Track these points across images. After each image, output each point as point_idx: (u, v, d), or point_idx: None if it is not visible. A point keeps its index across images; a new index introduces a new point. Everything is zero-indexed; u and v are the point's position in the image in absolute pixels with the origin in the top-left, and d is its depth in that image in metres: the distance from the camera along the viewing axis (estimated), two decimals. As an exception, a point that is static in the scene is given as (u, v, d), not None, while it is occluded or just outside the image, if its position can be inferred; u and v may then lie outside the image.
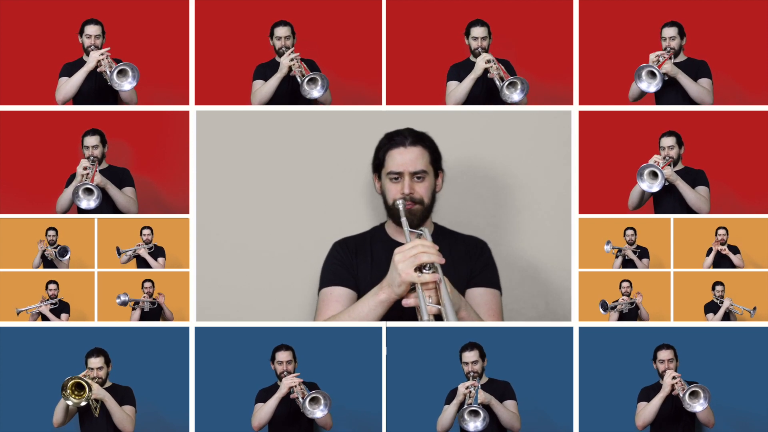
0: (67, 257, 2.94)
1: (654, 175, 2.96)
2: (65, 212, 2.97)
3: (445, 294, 2.44)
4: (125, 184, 2.99)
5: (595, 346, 2.92)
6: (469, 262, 2.88)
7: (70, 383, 2.77)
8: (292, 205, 3.23)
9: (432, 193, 2.87)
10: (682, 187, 2.98)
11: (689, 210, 2.99)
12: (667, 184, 2.97)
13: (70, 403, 2.78)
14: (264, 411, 2.84)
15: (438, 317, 2.45)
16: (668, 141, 3.00)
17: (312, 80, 2.99)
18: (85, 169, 2.94)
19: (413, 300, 2.50)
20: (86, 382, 2.77)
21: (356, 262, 2.75)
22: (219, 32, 3.05)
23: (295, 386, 2.82)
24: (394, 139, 2.85)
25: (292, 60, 3.00)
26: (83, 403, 2.77)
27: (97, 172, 2.95)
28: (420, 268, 2.50)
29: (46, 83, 3.02)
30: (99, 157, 2.98)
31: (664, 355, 2.88)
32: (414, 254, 2.49)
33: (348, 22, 3.07)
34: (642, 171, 2.96)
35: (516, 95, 2.97)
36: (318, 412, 2.79)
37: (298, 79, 3.00)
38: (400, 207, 2.78)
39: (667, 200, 2.99)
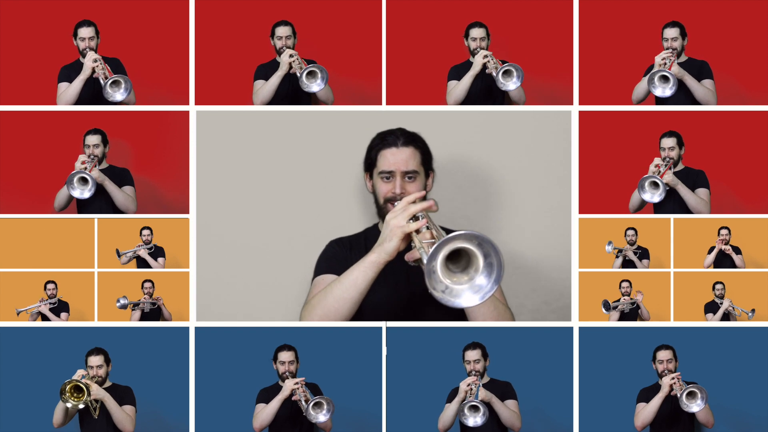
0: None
1: (655, 185, 2.96)
2: (63, 209, 2.97)
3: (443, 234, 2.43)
4: (125, 183, 3.00)
5: (595, 346, 2.92)
6: None
7: (69, 386, 2.77)
8: (292, 205, 3.23)
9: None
10: (683, 191, 2.98)
11: (689, 212, 2.98)
12: (668, 188, 2.97)
13: (69, 405, 2.78)
14: (266, 413, 2.85)
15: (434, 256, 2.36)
16: (669, 142, 3.00)
17: (311, 73, 2.99)
18: (83, 163, 2.94)
19: (413, 251, 2.49)
20: (84, 384, 2.78)
21: (351, 256, 2.76)
22: (219, 32, 3.06)
23: (298, 389, 2.82)
24: (386, 139, 2.87)
25: (291, 57, 3.00)
26: (81, 406, 2.77)
27: (95, 167, 2.95)
28: (413, 220, 2.51)
29: (46, 83, 3.02)
30: (99, 156, 2.98)
31: (663, 355, 2.88)
32: (404, 208, 2.52)
33: (348, 22, 3.07)
34: (643, 182, 2.96)
35: (512, 84, 2.97)
36: (321, 417, 2.81)
37: (297, 74, 3.00)
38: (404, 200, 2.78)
39: (668, 205, 2.99)
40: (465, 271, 2.35)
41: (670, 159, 2.99)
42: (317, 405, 2.80)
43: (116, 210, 2.98)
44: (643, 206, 3.02)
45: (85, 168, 2.93)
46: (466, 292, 2.33)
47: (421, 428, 2.89)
